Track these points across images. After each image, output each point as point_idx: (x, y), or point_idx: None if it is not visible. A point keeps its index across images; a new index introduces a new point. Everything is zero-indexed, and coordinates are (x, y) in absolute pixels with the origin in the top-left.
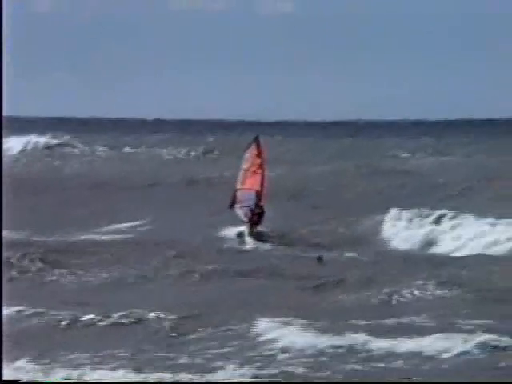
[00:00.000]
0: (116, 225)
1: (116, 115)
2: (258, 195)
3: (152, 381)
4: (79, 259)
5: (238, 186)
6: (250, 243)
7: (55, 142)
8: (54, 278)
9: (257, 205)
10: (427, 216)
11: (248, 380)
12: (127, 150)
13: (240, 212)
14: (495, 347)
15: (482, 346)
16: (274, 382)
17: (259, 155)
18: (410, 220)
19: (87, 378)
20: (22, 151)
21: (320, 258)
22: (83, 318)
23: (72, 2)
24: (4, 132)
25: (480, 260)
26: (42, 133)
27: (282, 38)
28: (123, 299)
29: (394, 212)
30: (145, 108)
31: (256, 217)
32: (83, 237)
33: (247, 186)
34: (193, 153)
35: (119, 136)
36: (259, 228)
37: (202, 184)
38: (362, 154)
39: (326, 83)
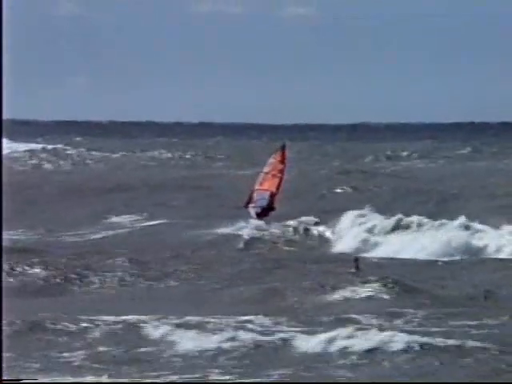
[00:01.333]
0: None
1: (132, 119)
2: (272, 196)
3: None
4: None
5: (256, 187)
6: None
7: (50, 147)
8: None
9: (269, 205)
10: (378, 218)
11: (248, 380)
12: (121, 153)
13: (252, 211)
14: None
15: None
16: (274, 382)
17: (282, 161)
18: (363, 223)
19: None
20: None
21: (357, 260)
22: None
23: (90, 7)
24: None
25: (412, 264)
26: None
27: (298, 42)
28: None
29: (350, 215)
30: (162, 111)
31: (265, 211)
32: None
33: (264, 188)
34: (189, 155)
35: (128, 139)
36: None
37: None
38: (358, 156)
39: (338, 87)
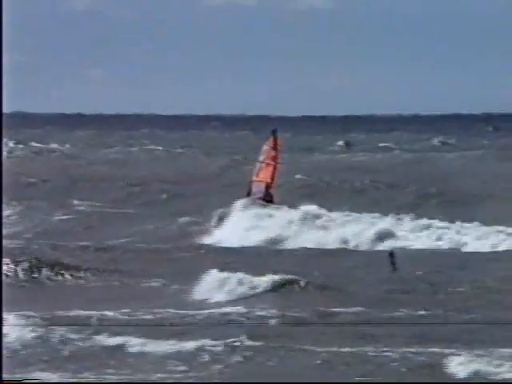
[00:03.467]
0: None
1: (141, 111)
2: (268, 187)
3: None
4: None
5: (253, 178)
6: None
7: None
8: None
9: (266, 197)
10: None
11: (247, 380)
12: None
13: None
14: None
15: None
16: (270, 382)
17: (274, 147)
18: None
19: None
20: None
21: (391, 254)
22: None
23: (106, 1)
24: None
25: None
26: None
27: (313, 34)
28: None
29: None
30: (172, 104)
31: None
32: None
33: (259, 179)
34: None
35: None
36: None
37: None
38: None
39: (349, 79)
